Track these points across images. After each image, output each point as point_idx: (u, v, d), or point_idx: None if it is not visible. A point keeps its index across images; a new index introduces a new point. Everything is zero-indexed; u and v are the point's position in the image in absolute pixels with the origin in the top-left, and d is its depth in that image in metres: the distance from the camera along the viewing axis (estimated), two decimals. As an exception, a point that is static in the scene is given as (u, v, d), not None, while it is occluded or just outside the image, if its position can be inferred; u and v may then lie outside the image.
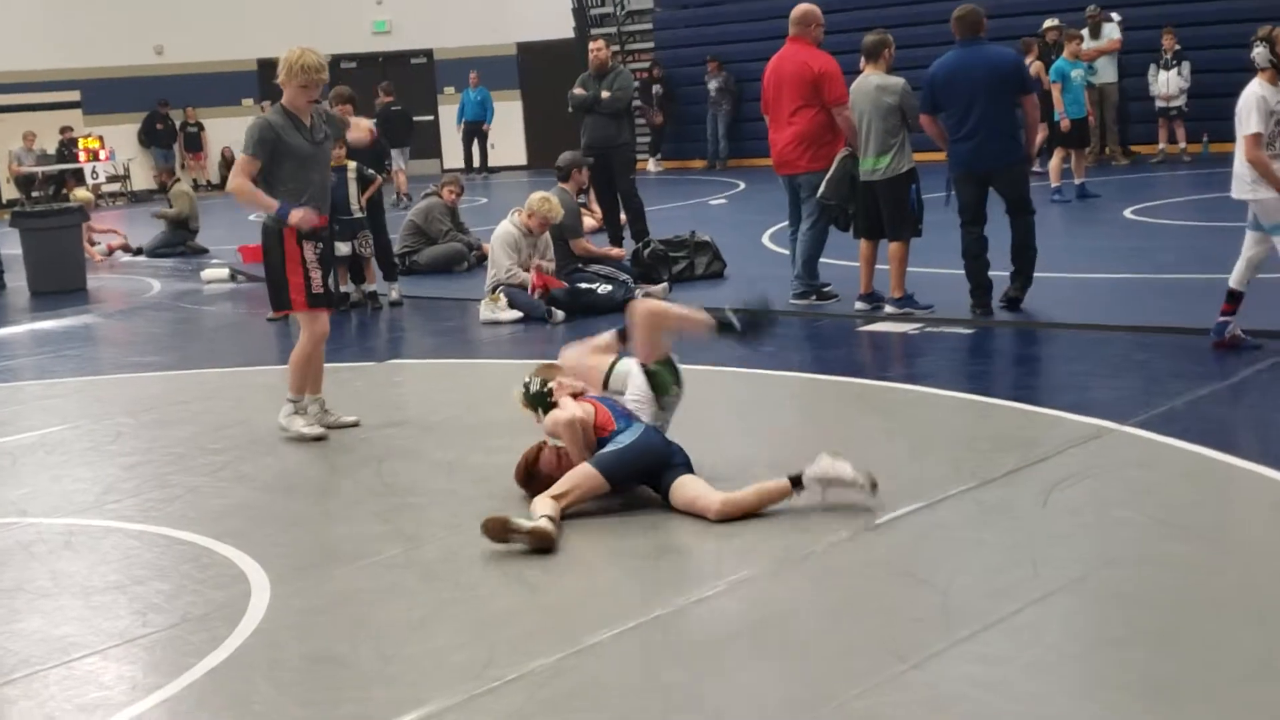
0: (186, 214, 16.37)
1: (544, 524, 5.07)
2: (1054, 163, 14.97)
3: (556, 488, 5.37)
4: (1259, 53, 7.27)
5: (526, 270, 10.15)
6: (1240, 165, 7.31)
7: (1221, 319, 7.49)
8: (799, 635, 4.26)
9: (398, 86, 22.22)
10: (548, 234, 10.31)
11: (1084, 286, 9.57)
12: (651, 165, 23.36)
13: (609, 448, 5.49)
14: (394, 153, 20.17)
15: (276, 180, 6.71)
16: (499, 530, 5.03)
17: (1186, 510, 5.18)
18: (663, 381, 5.69)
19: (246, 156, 6.72)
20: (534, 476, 5.65)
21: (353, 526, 5.55)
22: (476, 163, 24.85)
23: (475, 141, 24.78)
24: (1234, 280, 7.44)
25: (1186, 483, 5.53)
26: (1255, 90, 7.23)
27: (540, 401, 5.86)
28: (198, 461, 6.69)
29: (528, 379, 5.95)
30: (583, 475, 5.40)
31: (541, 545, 5.02)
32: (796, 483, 5.29)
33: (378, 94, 21.28)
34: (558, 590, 4.73)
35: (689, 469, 5.50)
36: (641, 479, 5.52)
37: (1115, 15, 17.64)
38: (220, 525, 5.59)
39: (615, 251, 11.44)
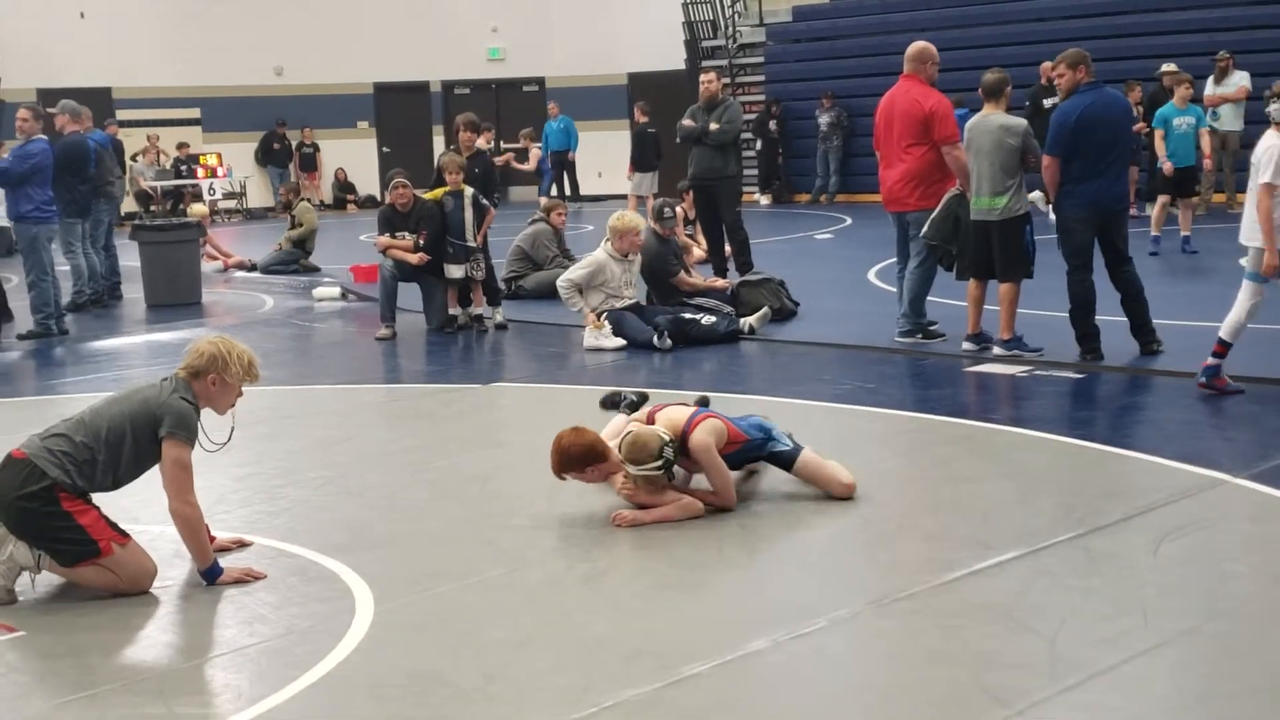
0: (314, 229, 16.65)
1: None
2: (1156, 210, 14.32)
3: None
4: (1275, 108, 7.52)
5: (615, 295, 10.24)
6: (1250, 212, 7.67)
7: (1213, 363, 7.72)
8: (899, 676, 4.23)
9: (509, 113, 22.39)
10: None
11: (1197, 335, 9.37)
12: (761, 199, 23.42)
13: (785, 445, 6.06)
14: (639, 177, 20.01)
15: None
16: None
17: (1301, 566, 5.07)
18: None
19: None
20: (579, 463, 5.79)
21: (456, 546, 5.60)
22: (568, 191, 24.72)
23: (564, 171, 24.72)
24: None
25: (1301, 538, 5.41)
26: (1275, 142, 7.48)
27: (673, 462, 5.84)
28: (305, 475, 6.80)
29: (660, 457, 5.75)
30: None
31: None
32: None
33: (633, 113, 21.40)
34: (657, 618, 4.74)
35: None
36: None
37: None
38: (326, 539, 5.67)
39: (719, 283, 11.44)
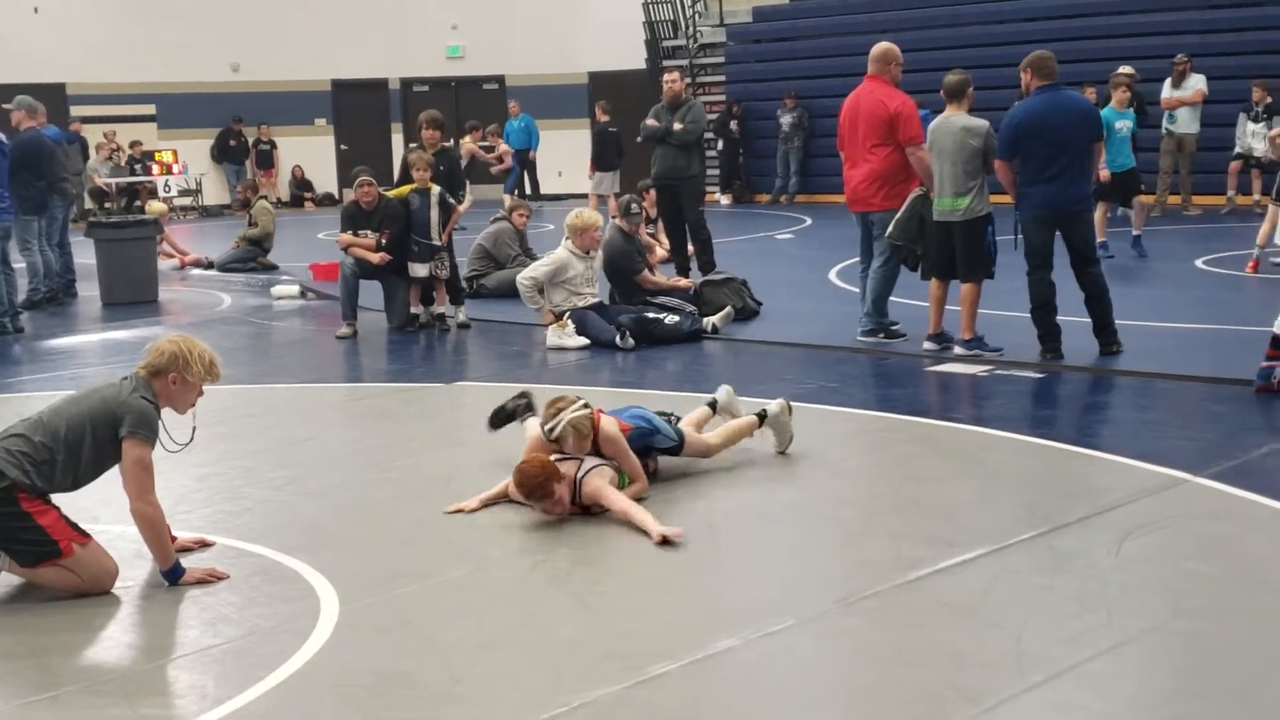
0: (270, 231, 16.54)
1: None
2: (1098, 215, 13.67)
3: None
4: None
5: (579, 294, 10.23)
6: None
7: (1265, 364, 7.70)
8: (868, 675, 4.23)
9: (469, 111, 22.28)
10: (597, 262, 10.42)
11: (1156, 335, 9.48)
12: (722, 199, 23.42)
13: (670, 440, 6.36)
14: (600, 176, 19.67)
15: None
16: None
17: (1261, 564, 5.11)
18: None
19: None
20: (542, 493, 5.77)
21: (420, 545, 5.57)
22: (528, 190, 24.47)
23: (525, 170, 24.55)
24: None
25: (1261, 536, 5.45)
26: None
27: (587, 404, 6.09)
28: (267, 475, 6.76)
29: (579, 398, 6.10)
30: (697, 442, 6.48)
31: None
32: (762, 419, 6.63)
33: (594, 112, 21.27)
34: (625, 616, 4.73)
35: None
36: None
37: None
38: (289, 540, 5.63)
39: (683, 282, 11.45)
